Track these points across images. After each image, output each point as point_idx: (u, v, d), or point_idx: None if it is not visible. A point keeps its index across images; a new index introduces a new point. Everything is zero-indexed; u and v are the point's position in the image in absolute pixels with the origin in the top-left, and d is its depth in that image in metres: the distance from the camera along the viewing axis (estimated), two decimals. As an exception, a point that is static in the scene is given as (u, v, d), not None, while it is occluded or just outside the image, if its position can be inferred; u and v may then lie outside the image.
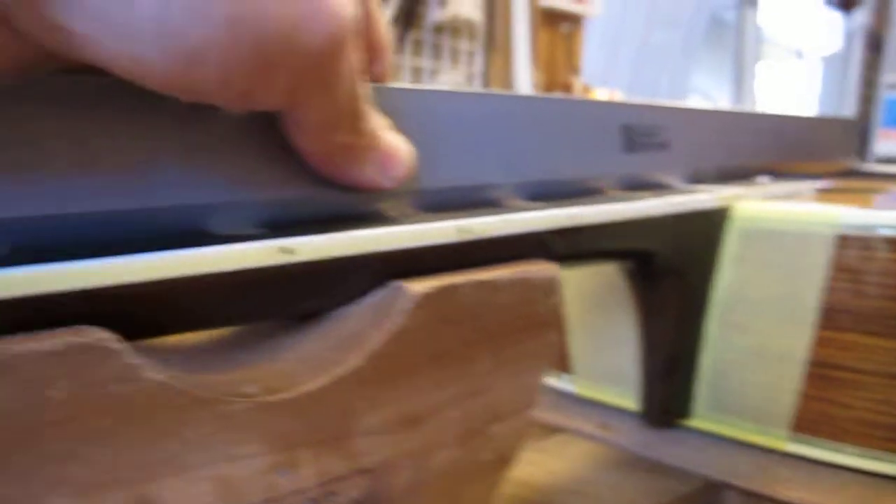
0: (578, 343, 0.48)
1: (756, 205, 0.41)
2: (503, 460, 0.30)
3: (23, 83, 0.20)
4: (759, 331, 0.40)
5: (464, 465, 0.28)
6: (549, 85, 1.48)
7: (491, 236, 0.28)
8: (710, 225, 0.40)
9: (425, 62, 1.43)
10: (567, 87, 1.46)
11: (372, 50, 0.28)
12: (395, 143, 0.26)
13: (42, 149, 0.21)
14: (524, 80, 1.43)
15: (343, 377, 0.24)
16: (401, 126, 0.28)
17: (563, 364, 0.49)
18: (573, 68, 1.52)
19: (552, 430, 0.46)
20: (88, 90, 0.21)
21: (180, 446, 0.21)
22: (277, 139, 0.24)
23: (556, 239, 0.31)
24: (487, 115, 0.32)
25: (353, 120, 0.24)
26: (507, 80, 1.46)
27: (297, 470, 0.23)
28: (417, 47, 1.42)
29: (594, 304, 0.46)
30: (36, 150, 0.21)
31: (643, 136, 0.39)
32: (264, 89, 0.21)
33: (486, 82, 1.46)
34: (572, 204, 0.33)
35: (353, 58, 0.22)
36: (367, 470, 0.25)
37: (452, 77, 1.42)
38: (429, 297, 0.25)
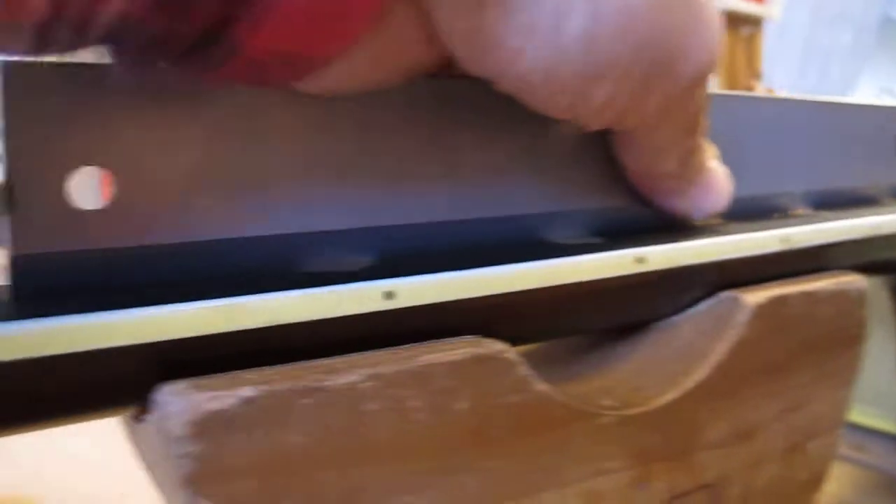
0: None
1: None
2: (816, 480, 0.28)
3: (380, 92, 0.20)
4: None
5: (784, 484, 0.27)
6: (730, 89, 1.43)
7: (806, 246, 0.27)
8: None
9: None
10: (749, 91, 1.41)
11: None
12: (718, 181, 0.25)
13: (411, 158, 0.21)
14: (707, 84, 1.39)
15: (692, 390, 0.23)
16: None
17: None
18: (754, 72, 1.46)
19: (798, 450, 0.44)
20: (451, 98, 0.22)
21: (560, 459, 0.20)
22: (606, 152, 0.24)
23: (848, 248, 0.30)
24: (780, 121, 0.31)
25: (686, 151, 0.24)
26: None
27: (651, 484, 0.23)
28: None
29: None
30: (405, 160, 0.21)
31: (914, 141, 0.37)
32: (636, 111, 0.21)
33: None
34: (865, 213, 0.31)
35: (706, 88, 0.22)
36: (707, 485, 0.24)
37: None
38: (763, 308, 0.25)
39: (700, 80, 0.21)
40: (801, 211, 0.32)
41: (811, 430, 0.27)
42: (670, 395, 0.23)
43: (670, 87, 0.20)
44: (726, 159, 0.29)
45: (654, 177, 0.24)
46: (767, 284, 0.25)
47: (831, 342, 0.27)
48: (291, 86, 0.18)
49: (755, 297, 0.24)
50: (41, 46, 0.14)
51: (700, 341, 0.24)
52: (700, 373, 0.23)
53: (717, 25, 0.21)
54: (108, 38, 0.15)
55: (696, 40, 0.20)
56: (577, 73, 0.19)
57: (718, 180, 0.25)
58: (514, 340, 0.21)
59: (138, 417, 0.18)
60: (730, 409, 0.24)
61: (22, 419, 0.16)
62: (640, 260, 0.22)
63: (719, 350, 0.24)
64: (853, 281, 0.28)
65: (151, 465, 0.18)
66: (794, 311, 0.26)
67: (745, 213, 0.30)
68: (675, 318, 0.25)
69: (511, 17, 0.18)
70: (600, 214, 0.25)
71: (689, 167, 0.24)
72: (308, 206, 0.20)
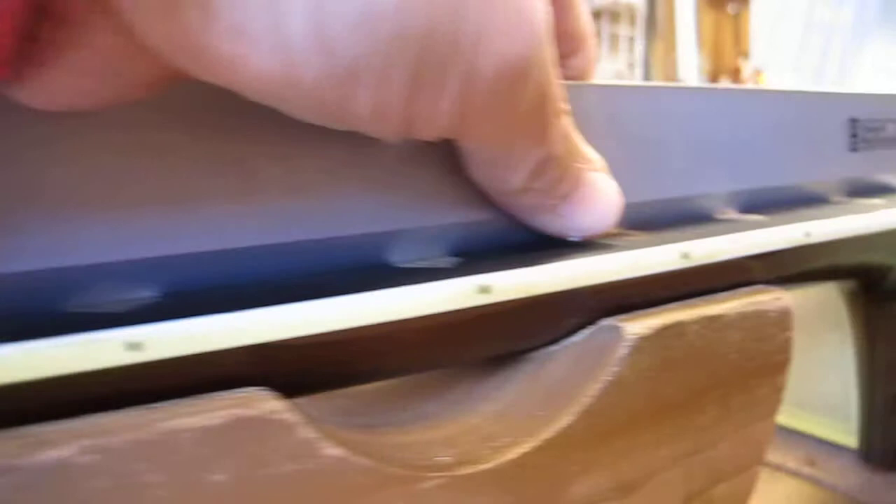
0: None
1: None
2: (727, 526, 0.25)
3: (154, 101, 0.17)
4: None
5: (684, 535, 0.23)
6: (716, 70, 1.37)
7: (715, 261, 0.23)
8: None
9: (583, 49, 1.36)
10: (735, 73, 1.35)
11: (570, 39, 0.24)
12: (599, 196, 0.22)
13: (195, 178, 0.18)
14: (689, 65, 1.33)
15: (552, 439, 0.19)
16: (598, 130, 0.24)
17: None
18: (742, 51, 1.40)
19: (748, 464, 0.40)
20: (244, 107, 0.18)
21: (367, 533, 0.17)
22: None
23: (779, 259, 0.26)
24: (698, 114, 0.27)
25: (538, 163, 0.20)
26: (671, 66, 1.37)
27: (498, 554, 0.19)
28: (575, 34, 1.35)
29: (802, 322, 0.40)
30: (187, 181, 0.18)
31: (871, 132, 0.33)
32: (426, 117, 0.17)
33: (648, 69, 1.38)
34: (802, 216, 0.27)
35: (544, 80, 0.18)
36: (577, 548, 0.21)
37: (612, 65, 1.34)
38: (649, 339, 0.21)
39: (514, 77, 0.17)
40: (730, 214, 0.28)
41: (717, 474, 0.24)
42: (524, 447, 0.19)
43: (465, 89, 0.16)
44: (634, 159, 0.25)
45: (506, 193, 0.20)
46: (658, 309, 0.22)
47: (743, 373, 0.24)
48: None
49: (639, 325, 0.21)
50: None
51: (573, 379, 0.21)
52: (564, 418, 0.20)
53: (529, 8, 0.17)
54: None
55: (492, 30, 0.16)
56: (319, 78, 0.15)
57: (600, 195, 0.21)
58: (314, 387, 0.18)
59: None
60: (606, 459, 0.21)
61: None
62: (485, 289, 0.19)
63: (591, 391, 0.20)
64: (773, 299, 0.24)
65: None
66: (693, 339, 0.22)
67: (657, 219, 0.26)
68: (553, 349, 0.22)
69: (216, 19, 0.14)
70: (459, 229, 0.21)
71: (551, 181, 0.20)
72: (73, 238, 0.16)
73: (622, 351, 0.20)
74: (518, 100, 0.17)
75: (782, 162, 0.30)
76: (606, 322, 0.21)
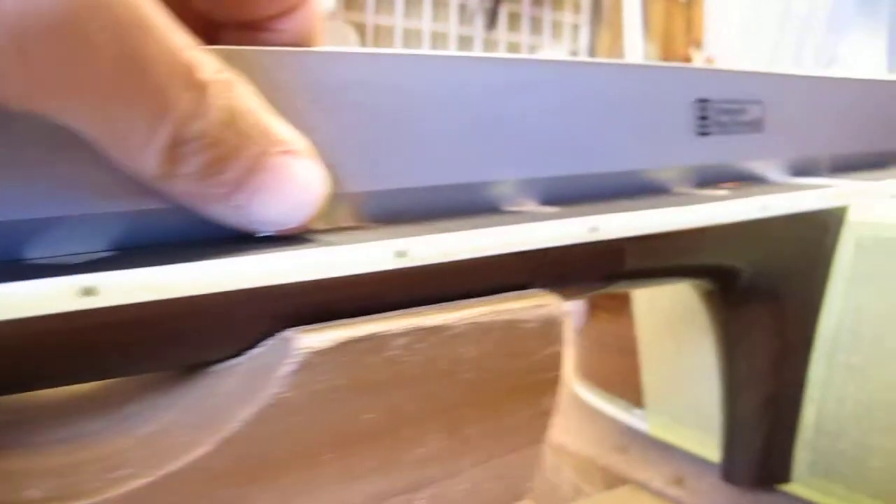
0: (652, 372, 0.38)
1: (883, 205, 0.30)
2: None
3: None
4: (883, 375, 0.30)
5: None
6: (666, 60, 1.31)
7: (448, 261, 0.20)
8: (817, 232, 0.30)
9: (523, 37, 1.29)
10: (687, 62, 1.29)
11: None
12: (288, 182, 0.18)
13: None
14: (636, 54, 1.28)
15: (176, 473, 0.16)
16: (338, 104, 0.21)
17: (635, 396, 0.40)
18: (694, 40, 1.33)
19: (616, 478, 0.37)
20: None
21: None
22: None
23: (588, 257, 0.23)
24: (476, 89, 0.24)
25: (167, 141, 0.16)
26: (617, 55, 1.31)
27: None
28: (514, 21, 1.28)
29: (670, 325, 0.37)
30: None
31: (726, 114, 0.30)
32: None
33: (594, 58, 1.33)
34: (599, 209, 0.24)
35: (126, 35, 0.15)
36: None
37: (554, 53, 1.29)
38: (327, 354, 0.17)
39: (33, 29, 0.13)
40: (526, 206, 0.25)
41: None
42: (140, 480, 0.16)
43: None
44: (378, 140, 0.22)
45: (151, 180, 0.17)
46: (351, 320, 0.18)
47: (486, 396, 0.20)
48: None
49: (315, 338, 0.17)
50: None
51: (235, 400, 0.17)
52: (200, 448, 0.16)
53: None
54: None
55: None
56: None
57: (289, 183, 0.18)
58: None
59: None
60: (260, 499, 0.17)
61: None
62: (89, 291, 0.15)
63: (240, 415, 0.17)
64: (532, 307, 0.21)
65: None
66: (401, 355, 0.18)
67: (417, 210, 0.23)
68: (232, 363, 0.18)
69: None
70: (131, 222, 0.18)
71: (205, 165, 0.17)
72: None
73: (287, 368, 0.17)
74: (67, 59, 0.14)
75: (608, 146, 0.27)
76: (285, 333, 0.18)
